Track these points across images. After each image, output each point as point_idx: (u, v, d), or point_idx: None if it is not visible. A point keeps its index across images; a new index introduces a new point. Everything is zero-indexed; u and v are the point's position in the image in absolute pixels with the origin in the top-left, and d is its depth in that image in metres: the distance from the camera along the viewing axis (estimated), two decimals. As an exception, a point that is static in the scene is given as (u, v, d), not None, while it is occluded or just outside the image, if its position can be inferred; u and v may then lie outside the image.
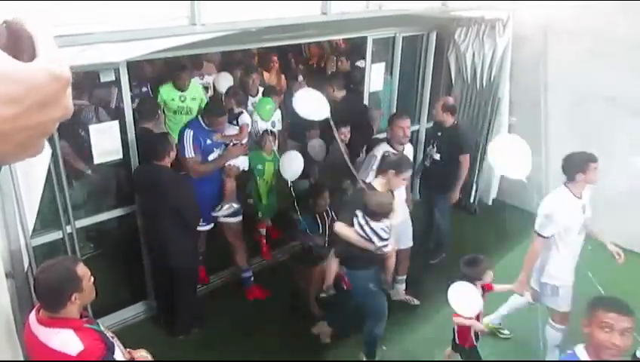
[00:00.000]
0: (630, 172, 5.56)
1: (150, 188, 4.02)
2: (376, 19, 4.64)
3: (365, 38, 5.63)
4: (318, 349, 4.34)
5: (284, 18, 3.71)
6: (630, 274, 5.35)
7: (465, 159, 5.08)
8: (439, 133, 5.21)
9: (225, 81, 5.92)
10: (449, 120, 5.07)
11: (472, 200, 6.60)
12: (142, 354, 2.65)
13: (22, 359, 2.99)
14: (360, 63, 6.46)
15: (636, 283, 5.20)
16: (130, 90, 4.08)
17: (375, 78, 5.81)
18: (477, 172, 6.48)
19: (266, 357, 4.21)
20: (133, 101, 4.23)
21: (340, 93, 5.36)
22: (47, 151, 3.24)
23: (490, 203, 6.55)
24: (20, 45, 0.53)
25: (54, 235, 3.82)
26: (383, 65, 5.83)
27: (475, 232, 6.01)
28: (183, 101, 5.48)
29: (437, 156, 5.19)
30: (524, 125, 6.31)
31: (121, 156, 4.07)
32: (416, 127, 6.57)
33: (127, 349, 2.58)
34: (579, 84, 5.72)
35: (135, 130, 4.17)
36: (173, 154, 4.09)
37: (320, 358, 4.27)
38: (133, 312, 4.61)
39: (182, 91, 5.47)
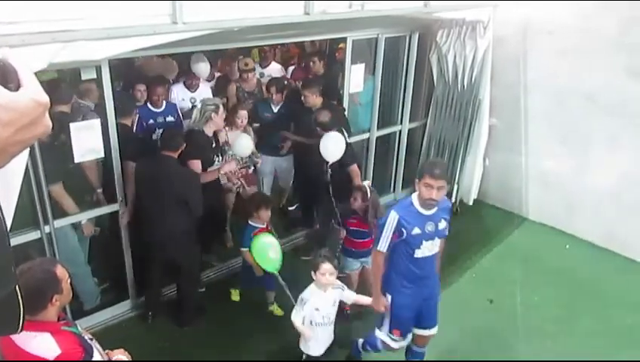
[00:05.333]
0: (607, 170, 5.67)
1: (157, 178, 4.10)
2: (359, 20, 4.65)
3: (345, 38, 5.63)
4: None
5: (266, 17, 3.70)
6: (606, 272, 5.46)
7: (352, 169, 4.96)
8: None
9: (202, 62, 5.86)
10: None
11: (453, 200, 6.66)
12: (119, 356, 2.61)
13: (-1, 361, 2.94)
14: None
15: (612, 280, 5.30)
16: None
17: (355, 78, 5.78)
18: (458, 172, 6.54)
19: (250, 357, 4.22)
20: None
21: (319, 100, 5.34)
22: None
23: (471, 203, 6.61)
24: (7, 77, 0.67)
25: (32, 235, 3.78)
26: (362, 65, 5.82)
27: (456, 232, 6.03)
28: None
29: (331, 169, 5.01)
30: (504, 126, 6.39)
31: (102, 155, 4.01)
32: (398, 128, 6.61)
33: (106, 351, 2.56)
34: (558, 83, 5.81)
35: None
36: (182, 147, 4.29)
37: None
38: (112, 313, 4.57)
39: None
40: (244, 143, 4.79)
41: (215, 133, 4.78)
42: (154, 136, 5.13)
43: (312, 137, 5.17)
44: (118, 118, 4.52)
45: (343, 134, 5.02)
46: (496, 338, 4.48)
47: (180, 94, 5.78)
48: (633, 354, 4.24)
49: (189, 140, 4.36)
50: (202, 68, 5.84)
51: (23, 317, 0.78)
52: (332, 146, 4.70)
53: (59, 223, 3.93)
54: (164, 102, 5.31)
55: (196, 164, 4.43)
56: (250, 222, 4.41)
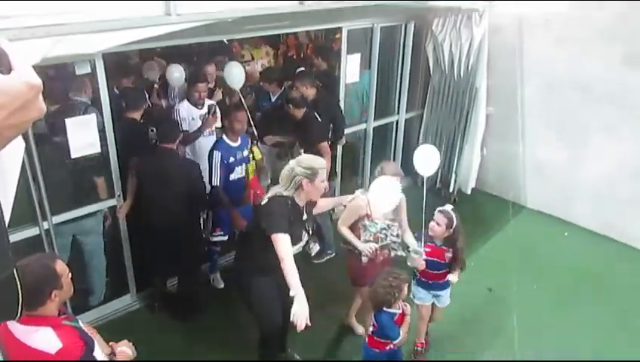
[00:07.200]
0: (604, 159, 5.67)
1: (159, 172, 4.12)
2: (354, 10, 4.63)
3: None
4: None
5: (260, 8, 3.68)
6: (605, 259, 5.48)
7: (322, 147, 4.83)
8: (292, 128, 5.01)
9: (177, 73, 5.53)
10: (298, 114, 4.89)
11: (451, 190, 6.67)
12: (123, 348, 2.61)
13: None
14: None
15: (611, 268, 5.32)
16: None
17: (351, 69, 5.75)
18: (456, 162, 6.54)
19: (251, 355, 4.22)
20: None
21: (312, 91, 5.32)
22: (20, 144, 3.17)
23: (468, 192, 6.61)
24: None
25: (31, 231, 3.77)
26: (358, 55, 5.79)
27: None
28: None
29: (301, 150, 4.78)
30: (501, 115, 6.38)
31: (98, 150, 3.99)
32: (395, 118, 6.60)
33: (110, 343, 2.56)
34: (555, 72, 5.80)
35: (113, 121, 4.08)
36: (180, 138, 4.35)
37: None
38: (113, 307, 4.59)
39: None
40: None
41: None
42: (232, 177, 4.47)
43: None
44: (127, 113, 4.55)
45: (315, 116, 5.05)
46: (495, 327, 4.50)
47: (189, 113, 5.06)
48: (632, 341, 4.27)
49: (266, 210, 3.19)
50: (177, 78, 5.50)
51: (22, 303, 0.78)
52: None
53: (56, 219, 3.92)
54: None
55: (283, 241, 3.01)
56: (385, 309, 3.42)
